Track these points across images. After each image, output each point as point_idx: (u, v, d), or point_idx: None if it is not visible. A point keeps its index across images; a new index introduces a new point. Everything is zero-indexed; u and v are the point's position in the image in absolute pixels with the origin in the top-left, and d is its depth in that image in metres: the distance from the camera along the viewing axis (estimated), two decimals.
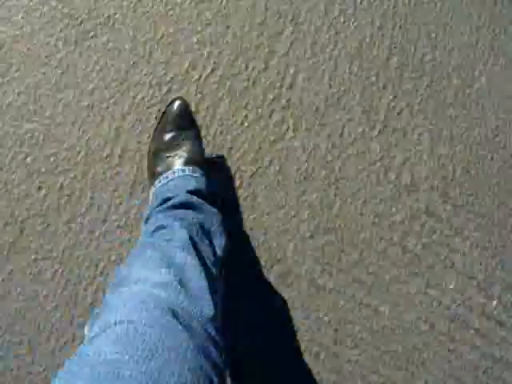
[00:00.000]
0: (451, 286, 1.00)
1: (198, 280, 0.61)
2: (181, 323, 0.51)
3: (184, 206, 0.79)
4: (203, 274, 0.63)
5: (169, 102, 0.97)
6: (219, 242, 0.80)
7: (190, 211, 0.78)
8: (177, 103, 0.96)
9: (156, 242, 0.68)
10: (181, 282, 0.58)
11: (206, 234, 0.77)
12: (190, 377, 0.45)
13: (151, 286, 0.56)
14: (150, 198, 0.89)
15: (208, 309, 0.58)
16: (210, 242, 0.77)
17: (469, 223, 1.02)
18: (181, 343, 0.48)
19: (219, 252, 0.77)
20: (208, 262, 0.70)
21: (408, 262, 1.00)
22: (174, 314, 0.52)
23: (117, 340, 0.46)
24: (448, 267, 1.01)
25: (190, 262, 0.64)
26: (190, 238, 0.70)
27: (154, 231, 0.73)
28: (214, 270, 0.70)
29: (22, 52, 1.05)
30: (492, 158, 1.04)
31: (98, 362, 0.43)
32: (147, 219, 0.82)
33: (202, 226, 0.77)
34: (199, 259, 0.66)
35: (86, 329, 0.67)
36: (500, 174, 1.04)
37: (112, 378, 0.41)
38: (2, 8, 1.06)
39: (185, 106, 0.95)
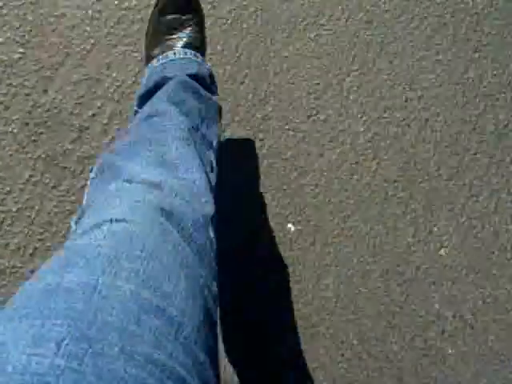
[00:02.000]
0: None
1: (198, 179, 0.58)
2: (179, 226, 0.47)
3: (183, 87, 0.73)
4: (202, 170, 0.59)
5: None
6: (215, 130, 0.76)
7: (189, 94, 0.72)
8: None
9: (149, 134, 0.62)
10: (177, 181, 0.54)
11: (202, 121, 0.72)
12: (188, 285, 0.41)
13: (145, 185, 0.50)
14: (145, 80, 0.82)
15: (209, 208, 0.55)
16: (206, 131, 0.72)
17: None
18: (179, 249, 0.44)
19: (215, 142, 0.74)
20: (206, 153, 0.67)
21: None
22: (171, 217, 0.47)
23: (113, 237, 0.41)
24: None
25: (187, 155, 0.59)
26: (188, 128, 0.65)
27: (147, 117, 0.66)
28: (212, 162, 0.68)
29: None
30: None
31: (93, 255, 0.38)
32: (140, 102, 0.78)
33: (200, 114, 0.72)
34: (198, 153, 0.62)
35: (73, 224, 0.56)
36: None
37: (109, 274, 0.36)
38: None
39: None
